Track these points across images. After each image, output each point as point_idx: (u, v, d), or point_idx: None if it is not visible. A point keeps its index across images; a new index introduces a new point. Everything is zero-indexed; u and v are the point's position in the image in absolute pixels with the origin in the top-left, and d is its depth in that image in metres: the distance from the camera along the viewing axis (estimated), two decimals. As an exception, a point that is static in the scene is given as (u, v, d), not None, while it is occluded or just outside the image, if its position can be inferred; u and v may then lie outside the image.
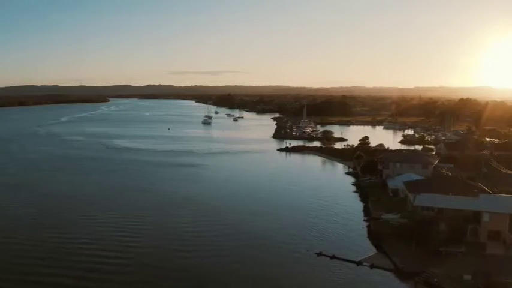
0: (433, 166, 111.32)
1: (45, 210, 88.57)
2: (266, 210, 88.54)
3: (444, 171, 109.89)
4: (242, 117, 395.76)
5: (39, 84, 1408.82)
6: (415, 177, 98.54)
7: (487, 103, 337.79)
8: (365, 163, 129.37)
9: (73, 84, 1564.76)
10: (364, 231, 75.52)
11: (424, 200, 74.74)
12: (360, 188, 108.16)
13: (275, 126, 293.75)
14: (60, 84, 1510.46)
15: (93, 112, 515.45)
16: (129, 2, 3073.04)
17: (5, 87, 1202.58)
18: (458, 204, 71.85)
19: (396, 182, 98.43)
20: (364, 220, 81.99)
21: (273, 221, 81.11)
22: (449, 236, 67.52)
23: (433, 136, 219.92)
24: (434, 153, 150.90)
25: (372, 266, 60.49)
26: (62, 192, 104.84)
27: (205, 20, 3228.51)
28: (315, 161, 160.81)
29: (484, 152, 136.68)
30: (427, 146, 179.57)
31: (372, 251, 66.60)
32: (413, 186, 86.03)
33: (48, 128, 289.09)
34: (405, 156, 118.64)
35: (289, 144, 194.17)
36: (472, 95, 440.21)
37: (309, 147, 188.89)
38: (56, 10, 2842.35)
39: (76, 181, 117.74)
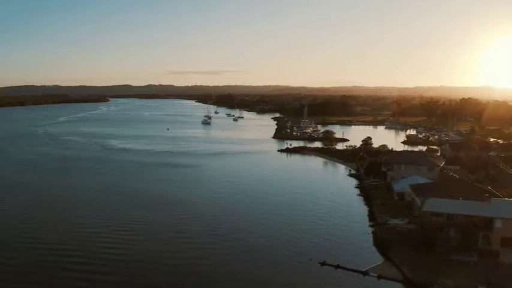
0: (439, 168, 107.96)
1: (37, 212, 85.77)
2: (266, 215, 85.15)
3: (451, 173, 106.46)
4: (242, 117, 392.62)
5: (39, 84, 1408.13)
6: (421, 179, 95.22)
7: (488, 103, 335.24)
8: (368, 165, 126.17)
9: (73, 84, 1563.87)
10: (370, 238, 72.13)
11: (433, 205, 71.27)
12: (364, 191, 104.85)
13: (275, 127, 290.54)
14: (60, 84, 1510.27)
15: (92, 112, 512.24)
16: (129, 2, 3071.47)
17: (5, 87, 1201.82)
18: (469, 210, 68.56)
19: (402, 185, 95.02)
20: (370, 225, 78.63)
21: (273, 227, 77.79)
22: (460, 244, 64.41)
23: (436, 136, 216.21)
24: (439, 154, 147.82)
25: (379, 277, 57.06)
26: (56, 193, 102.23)
27: (206, 20, 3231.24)
28: (316, 162, 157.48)
29: (491, 153, 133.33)
30: (431, 146, 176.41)
31: (378, 259, 63.15)
32: (421, 190, 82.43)
33: (46, 128, 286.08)
34: (410, 158, 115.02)
35: (290, 144, 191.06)
36: (473, 95, 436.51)
37: (310, 148, 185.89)
38: (56, 10, 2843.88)
39: (71, 182, 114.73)
